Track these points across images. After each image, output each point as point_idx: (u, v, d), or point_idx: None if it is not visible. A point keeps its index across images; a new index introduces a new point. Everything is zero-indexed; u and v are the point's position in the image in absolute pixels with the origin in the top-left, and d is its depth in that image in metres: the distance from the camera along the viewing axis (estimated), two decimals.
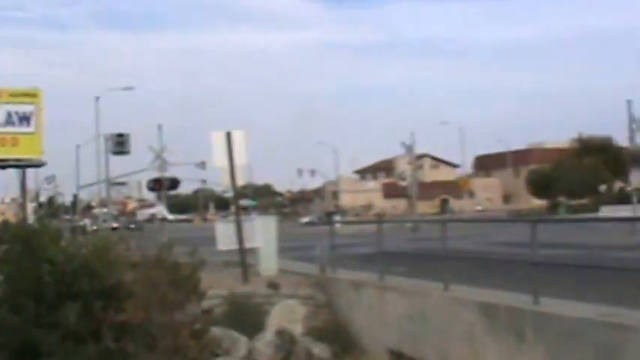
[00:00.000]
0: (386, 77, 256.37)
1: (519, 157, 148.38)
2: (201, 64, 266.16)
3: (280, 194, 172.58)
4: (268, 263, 20.71)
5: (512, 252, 19.45)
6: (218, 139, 19.95)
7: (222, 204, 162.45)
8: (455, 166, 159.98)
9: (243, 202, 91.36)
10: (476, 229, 43.41)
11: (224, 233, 20.14)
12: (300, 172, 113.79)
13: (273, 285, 18.55)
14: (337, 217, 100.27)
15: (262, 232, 20.53)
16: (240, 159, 20.00)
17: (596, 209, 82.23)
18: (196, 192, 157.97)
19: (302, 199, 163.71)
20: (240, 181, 20.24)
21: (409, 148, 75.25)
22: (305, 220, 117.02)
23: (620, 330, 9.94)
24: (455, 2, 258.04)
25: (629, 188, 55.71)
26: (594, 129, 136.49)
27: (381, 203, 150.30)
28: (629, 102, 49.62)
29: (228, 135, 19.94)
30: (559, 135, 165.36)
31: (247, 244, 19.83)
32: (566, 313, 11.21)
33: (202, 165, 78.59)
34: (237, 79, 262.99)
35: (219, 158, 19.85)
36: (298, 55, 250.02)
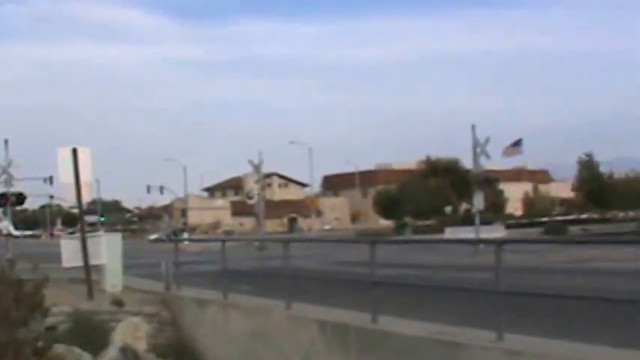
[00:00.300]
0: (236, 95, 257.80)
1: (367, 178, 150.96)
2: (48, 77, 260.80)
3: (129, 210, 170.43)
4: (113, 280, 20.77)
5: (354, 271, 20.09)
6: (64, 156, 19.93)
7: (69, 220, 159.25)
8: (303, 185, 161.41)
9: (91, 218, 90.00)
10: (321, 248, 44.23)
11: (69, 250, 20.11)
12: (149, 188, 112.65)
13: (117, 302, 18.65)
14: (185, 235, 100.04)
15: (107, 249, 20.58)
16: (85, 175, 20.01)
17: (441, 230, 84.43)
18: (43, 207, 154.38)
19: (151, 216, 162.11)
20: (86, 198, 20.25)
21: (257, 167, 75.61)
22: (153, 237, 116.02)
23: (454, 347, 10.58)
24: (306, 23, 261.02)
25: (473, 210, 57.56)
26: (442, 151, 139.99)
27: (229, 221, 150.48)
28: (473, 127, 51.35)
29: (74, 151, 19.95)
30: (407, 156, 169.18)
31: (93, 261, 19.85)
32: (403, 331, 11.83)
33: (50, 180, 77.27)
34: (86, 93, 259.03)
35: (65, 174, 19.83)
36: (147, 71, 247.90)
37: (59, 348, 15.64)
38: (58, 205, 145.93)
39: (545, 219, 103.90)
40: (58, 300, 17.89)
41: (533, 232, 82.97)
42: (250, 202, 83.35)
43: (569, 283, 20.70)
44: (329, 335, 13.02)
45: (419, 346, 11.17)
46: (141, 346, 17.25)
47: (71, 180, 19.67)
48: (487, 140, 51.46)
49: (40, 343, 14.82)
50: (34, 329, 14.96)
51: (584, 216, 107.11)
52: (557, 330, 11.24)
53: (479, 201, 53.74)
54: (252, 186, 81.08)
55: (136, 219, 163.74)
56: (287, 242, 16.03)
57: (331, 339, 12.95)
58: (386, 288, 13.13)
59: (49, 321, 16.54)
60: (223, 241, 19.73)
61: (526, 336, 10.46)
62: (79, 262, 19.72)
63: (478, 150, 51.43)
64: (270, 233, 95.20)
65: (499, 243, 10.67)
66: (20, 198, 45.82)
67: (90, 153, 20.33)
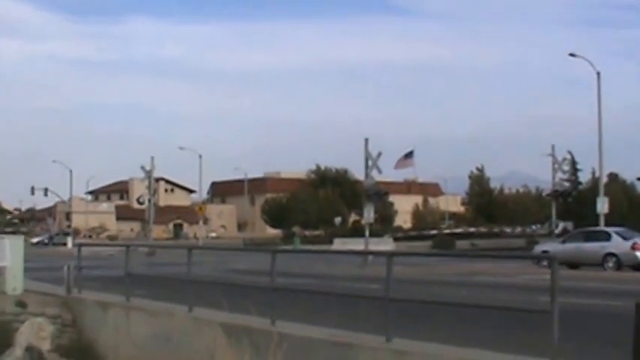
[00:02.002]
0: (124, 96, 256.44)
1: (256, 186, 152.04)
2: None
3: (9, 212, 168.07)
4: (14, 282, 21.74)
5: (250, 279, 21.51)
6: None
7: None
8: (191, 191, 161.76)
9: None
10: (211, 256, 45.45)
11: None
12: (33, 189, 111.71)
13: (21, 303, 19.71)
14: (69, 239, 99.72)
15: (10, 252, 21.55)
16: None
17: (330, 241, 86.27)
18: None
19: (33, 219, 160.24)
20: None
21: (149, 173, 76.22)
22: (35, 240, 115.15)
23: (347, 348, 12.15)
24: (198, 24, 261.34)
25: (363, 222, 59.51)
26: (332, 160, 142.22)
27: (114, 225, 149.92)
28: (366, 140, 53.25)
29: None
30: (296, 165, 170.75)
31: None
32: (299, 333, 13.38)
33: None
34: None
35: None
36: (34, 68, 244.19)
37: None
38: None
39: (434, 232, 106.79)
40: None
41: (423, 246, 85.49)
42: (141, 207, 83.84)
43: (453, 294, 22.53)
44: (231, 337, 14.43)
45: (314, 347, 12.70)
46: (45, 346, 18.37)
47: None
48: (379, 155, 53.35)
49: None
50: None
51: (472, 230, 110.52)
52: (439, 334, 12.87)
53: (369, 213, 55.59)
54: (140, 192, 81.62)
55: (16, 221, 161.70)
56: (190, 249, 17.46)
57: (233, 340, 14.36)
58: (284, 294, 14.63)
59: None
60: (127, 246, 20.99)
61: (412, 340, 12.10)
62: None
63: (370, 164, 53.30)
64: (155, 239, 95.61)
65: (390, 255, 12.43)
66: None
67: None
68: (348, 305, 15.95)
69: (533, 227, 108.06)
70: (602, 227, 49.52)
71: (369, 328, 12.64)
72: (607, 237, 42.94)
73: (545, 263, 37.18)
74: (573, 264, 41.11)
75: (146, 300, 19.11)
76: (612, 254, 40.94)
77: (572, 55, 53.40)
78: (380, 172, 54.33)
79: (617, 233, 43.37)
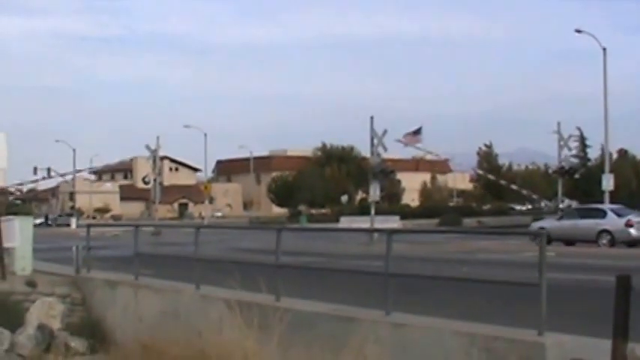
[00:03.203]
0: (127, 73, 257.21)
1: (262, 164, 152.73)
2: None
3: (11, 193, 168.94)
4: (23, 263, 22.52)
5: (257, 257, 22.23)
6: None
7: None
8: (195, 169, 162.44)
9: None
10: (218, 235, 46.27)
11: None
12: (35, 170, 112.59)
13: (31, 283, 20.49)
14: (73, 220, 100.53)
15: (19, 233, 22.31)
16: (1, 162, 21.75)
17: (336, 219, 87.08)
18: None
19: (35, 199, 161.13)
20: (1, 183, 21.98)
21: (154, 152, 76.85)
22: (38, 221, 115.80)
23: (348, 321, 12.93)
24: (202, 0, 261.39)
25: (369, 200, 60.27)
26: (340, 138, 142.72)
27: (118, 205, 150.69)
28: (371, 118, 53.86)
29: None
30: (302, 143, 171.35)
31: (6, 244, 21.60)
32: (303, 308, 14.16)
33: None
34: None
35: None
36: (36, 45, 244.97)
37: None
38: None
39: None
40: None
41: (429, 223, 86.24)
42: (146, 187, 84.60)
43: (454, 270, 23.24)
44: (237, 313, 15.17)
45: (317, 321, 13.48)
46: (55, 324, 19.18)
47: None
48: (385, 132, 54.02)
49: None
50: None
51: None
52: (439, 309, 13.59)
53: (375, 192, 56.31)
54: (145, 171, 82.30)
55: (18, 202, 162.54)
56: (198, 228, 18.29)
57: (239, 316, 15.10)
58: (288, 272, 15.40)
59: None
60: (136, 226, 21.78)
61: (411, 314, 12.85)
62: None
63: (376, 142, 53.95)
64: (160, 219, 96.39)
65: (390, 232, 13.25)
66: None
67: (4, 139, 22.07)
68: (351, 282, 16.70)
69: (543, 204, 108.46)
70: (597, 205, 50.80)
71: (371, 303, 13.37)
72: (602, 214, 44.46)
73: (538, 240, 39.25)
74: (569, 241, 42.76)
75: (153, 279, 19.89)
76: (606, 231, 42.54)
77: (577, 31, 53.87)
78: (385, 149, 55.03)
79: (612, 210, 45.02)
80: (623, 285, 9.10)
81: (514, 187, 76.08)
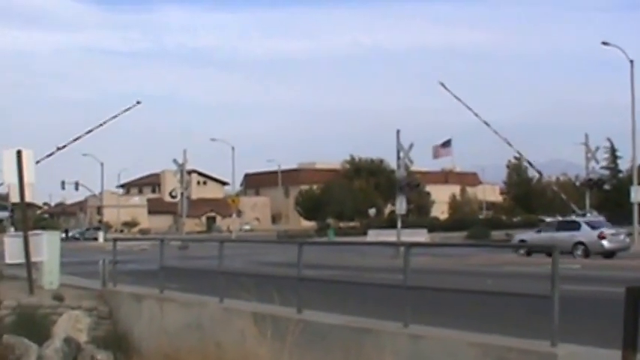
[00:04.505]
0: (156, 86, 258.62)
1: (290, 177, 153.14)
2: None
3: (39, 207, 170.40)
4: (51, 277, 23.00)
5: (281, 270, 22.64)
6: (8, 157, 22.15)
7: None
8: (223, 183, 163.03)
9: (1, 214, 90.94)
10: (243, 249, 46.74)
11: (13, 247, 22.33)
12: (63, 184, 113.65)
13: (58, 297, 20.96)
14: (100, 233, 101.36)
15: (47, 247, 22.82)
16: (28, 176, 22.25)
17: (365, 232, 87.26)
18: None
19: (63, 213, 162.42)
20: (28, 198, 22.46)
21: (181, 166, 77.35)
22: (65, 235, 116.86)
23: (367, 333, 13.31)
24: (228, 13, 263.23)
25: (396, 213, 60.58)
26: (369, 151, 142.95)
27: (145, 219, 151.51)
28: (397, 131, 54.16)
29: (19, 153, 22.18)
30: (331, 156, 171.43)
31: (34, 258, 22.10)
32: (323, 320, 14.55)
33: None
34: None
35: (9, 175, 22.08)
36: (64, 59, 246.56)
37: (10, 339, 18.03)
38: None
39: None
40: (0, 295, 20.23)
41: (458, 236, 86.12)
42: (173, 200, 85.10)
43: (477, 283, 23.48)
44: (259, 325, 15.56)
45: (337, 333, 13.87)
46: (82, 337, 19.64)
47: (15, 180, 21.91)
48: (411, 146, 54.23)
49: None
50: None
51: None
52: (458, 321, 13.89)
53: (401, 205, 56.56)
54: (172, 185, 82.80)
55: (46, 216, 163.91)
56: (222, 242, 18.73)
57: (261, 328, 15.49)
58: (310, 285, 15.78)
59: None
60: (162, 240, 22.25)
61: (429, 326, 13.19)
62: (21, 259, 21.95)
63: (402, 155, 54.23)
64: (188, 233, 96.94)
65: (408, 246, 13.61)
66: None
67: (32, 155, 22.63)
68: (372, 294, 17.03)
69: (574, 216, 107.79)
70: (573, 217, 55.77)
71: (391, 315, 13.70)
72: (577, 227, 47.25)
73: (522, 252, 44.63)
74: (550, 252, 42.97)
75: (179, 292, 20.33)
76: (581, 243, 44.86)
77: (604, 43, 54.13)
78: (411, 162, 55.25)
79: (587, 223, 47.98)
80: (632, 296, 9.33)
81: (564, 196, 75.53)
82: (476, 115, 63.91)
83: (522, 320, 13.87)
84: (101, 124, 58.34)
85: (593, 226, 46.99)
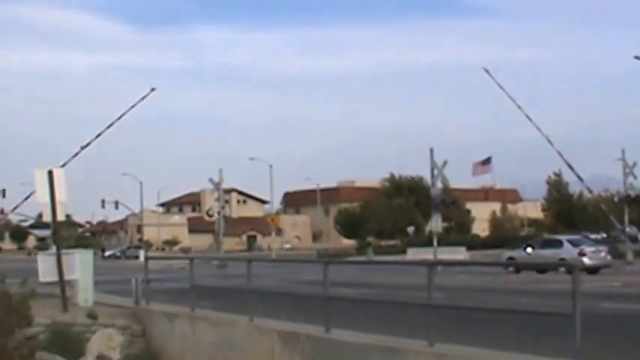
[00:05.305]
0: (193, 106, 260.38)
1: (329, 195, 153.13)
2: None
3: (81, 225, 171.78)
4: (85, 295, 23.25)
5: (311, 289, 22.69)
6: (40, 176, 22.44)
7: (17, 234, 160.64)
8: (263, 202, 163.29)
9: (43, 232, 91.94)
10: (282, 267, 46.96)
11: (46, 265, 22.59)
12: (103, 203, 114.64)
13: (92, 314, 21.17)
14: (141, 252, 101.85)
15: (80, 265, 23.07)
16: (60, 196, 22.52)
17: (404, 251, 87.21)
18: None
19: (104, 232, 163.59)
20: (60, 217, 22.72)
21: (217, 185, 77.65)
22: (107, 253, 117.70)
23: (393, 352, 13.37)
24: (265, 32, 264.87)
25: (432, 230, 60.60)
26: (408, 168, 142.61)
27: (186, 238, 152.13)
28: (431, 150, 54.16)
29: (50, 173, 22.46)
30: (371, 174, 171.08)
31: (67, 277, 22.35)
32: (351, 339, 14.62)
33: (2, 193, 79.54)
34: (34, 100, 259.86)
35: (42, 194, 22.36)
36: (100, 79, 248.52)
37: (43, 355, 18.23)
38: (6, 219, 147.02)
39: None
40: (35, 312, 20.44)
41: (498, 254, 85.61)
42: (210, 219, 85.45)
43: (512, 302, 23.41)
44: (288, 343, 15.68)
45: (364, 351, 13.91)
46: (114, 355, 19.80)
47: (47, 199, 22.19)
48: (445, 163, 54.14)
49: (24, 351, 17.34)
50: (19, 337, 17.51)
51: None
52: (485, 340, 13.90)
53: (437, 222, 56.66)
54: (211, 204, 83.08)
55: (88, 234, 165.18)
56: (249, 261, 18.88)
57: (290, 347, 15.61)
58: (338, 304, 15.86)
59: (29, 331, 19.09)
60: (191, 259, 22.43)
61: (454, 345, 13.21)
62: (55, 277, 22.20)
63: (436, 173, 54.24)
64: (228, 252, 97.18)
65: (430, 264, 13.70)
66: None
67: (63, 174, 22.91)
68: (400, 313, 17.07)
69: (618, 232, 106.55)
70: (557, 236, 58.70)
71: (418, 334, 13.73)
72: (559, 244, 50.18)
73: (511, 269, 46.25)
74: (541, 269, 46.33)
75: (210, 310, 20.49)
76: (563, 260, 45.81)
77: (637, 58, 53.86)
78: (447, 180, 55.27)
79: (569, 241, 50.77)
80: None
81: (605, 210, 74.69)
82: (528, 118, 63.02)
83: (549, 338, 13.85)
84: (119, 117, 58.77)
85: (574, 243, 49.73)
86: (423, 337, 13.22)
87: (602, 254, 49.31)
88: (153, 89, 62.10)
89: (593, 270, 45.24)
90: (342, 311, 15.85)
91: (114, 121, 59.08)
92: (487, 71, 64.08)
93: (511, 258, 50.96)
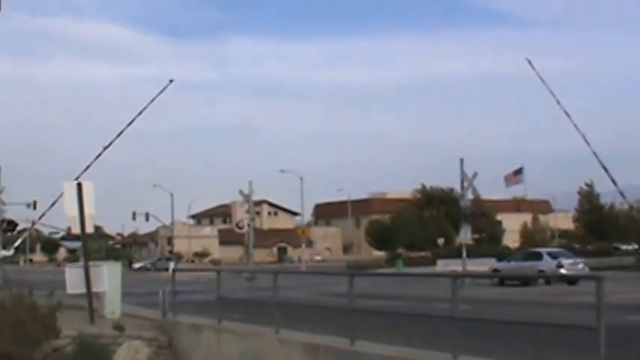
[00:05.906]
0: (224, 117, 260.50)
1: (361, 207, 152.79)
2: (31, 96, 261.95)
3: (111, 237, 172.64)
4: (112, 307, 23.34)
5: (338, 301, 22.66)
6: (69, 189, 22.56)
7: (48, 246, 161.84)
8: (294, 213, 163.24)
9: (74, 244, 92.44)
10: (311, 279, 46.96)
11: (74, 277, 22.69)
12: (134, 215, 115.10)
13: (119, 327, 21.22)
14: (171, 264, 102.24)
15: (108, 278, 23.16)
16: (88, 208, 22.62)
17: (434, 262, 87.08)
18: (20, 232, 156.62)
19: (135, 243, 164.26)
20: (89, 229, 22.82)
21: (247, 197, 77.83)
22: (137, 265, 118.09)
23: None
24: (303, 43, 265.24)
25: (461, 242, 60.59)
26: (440, 180, 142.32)
27: (217, 250, 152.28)
28: (461, 160, 54.14)
29: (79, 185, 22.58)
30: (403, 185, 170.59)
31: (95, 289, 22.43)
32: (375, 351, 14.55)
33: (33, 205, 80.00)
34: (68, 112, 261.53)
35: (70, 207, 22.46)
36: (132, 91, 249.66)
37: None
38: (37, 231, 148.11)
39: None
40: (62, 324, 20.51)
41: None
42: (240, 231, 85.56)
43: (543, 314, 23.26)
44: (313, 356, 15.65)
45: None
46: None
47: (76, 213, 22.29)
48: (475, 175, 54.23)
49: None
50: (45, 349, 17.59)
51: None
52: (508, 354, 13.84)
53: (466, 234, 56.79)
54: (242, 216, 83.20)
55: (118, 246, 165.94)
56: (276, 274, 18.88)
57: (315, 358, 15.58)
58: (363, 316, 15.82)
59: (56, 343, 19.16)
60: (218, 271, 22.46)
61: (478, 357, 13.13)
62: (83, 289, 22.29)
63: (465, 184, 54.31)
64: (258, 263, 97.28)
65: (454, 277, 13.71)
66: (11, 225, 48.59)
67: (92, 187, 22.99)
68: (425, 325, 16.99)
69: None
70: (536, 248, 60.57)
71: (442, 346, 13.66)
72: (539, 257, 52.36)
73: (496, 280, 46.90)
74: (525, 281, 46.59)
75: (236, 322, 20.47)
76: (542, 272, 46.91)
77: None
78: (476, 191, 55.29)
79: (548, 253, 53.19)
80: None
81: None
82: (574, 125, 62.45)
83: (573, 352, 13.75)
84: (140, 112, 58.79)
85: (553, 256, 52.14)
86: (447, 350, 13.15)
87: (580, 266, 51.36)
88: (171, 81, 62.03)
89: (572, 281, 45.26)
90: (368, 323, 15.80)
91: (134, 117, 59.10)
92: (529, 62, 63.33)
93: (496, 270, 52.88)
